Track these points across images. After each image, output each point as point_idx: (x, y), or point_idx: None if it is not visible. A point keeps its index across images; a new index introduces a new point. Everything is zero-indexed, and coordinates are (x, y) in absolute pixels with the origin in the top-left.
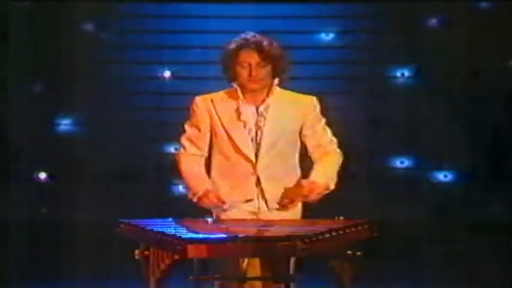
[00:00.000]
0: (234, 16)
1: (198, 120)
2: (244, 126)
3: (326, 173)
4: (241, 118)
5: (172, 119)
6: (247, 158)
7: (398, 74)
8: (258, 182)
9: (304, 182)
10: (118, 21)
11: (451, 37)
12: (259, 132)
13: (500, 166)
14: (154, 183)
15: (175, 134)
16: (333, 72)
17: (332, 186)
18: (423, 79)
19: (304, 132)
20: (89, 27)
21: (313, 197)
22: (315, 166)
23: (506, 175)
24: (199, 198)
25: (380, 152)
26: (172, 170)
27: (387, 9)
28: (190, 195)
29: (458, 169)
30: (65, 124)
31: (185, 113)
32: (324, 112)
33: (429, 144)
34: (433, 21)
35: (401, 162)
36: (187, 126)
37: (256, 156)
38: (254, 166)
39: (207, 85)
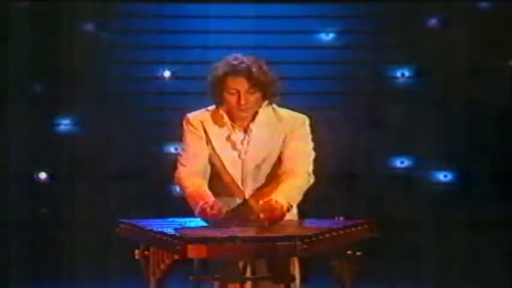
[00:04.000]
0: (234, 16)
1: (195, 138)
2: (239, 157)
3: (285, 192)
4: (237, 147)
5: (172, 119)
6: (236, 184)
7: (398, 74)
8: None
9: (260, 202)
10: (118, 21)
11: (451, 37)
12: (244, 159)
13: (500, 166)
14: (154, 183)
15: (175, 134)
16: (333, 72)
17: (293, 205)
18: (423, 79)
19: (281, 149)
20: (89, 27)
21: (272, 215)
22: (279, 184)
23: (506, 175)
24: (202, 210)
25: (380, 152)
26: (172, 170)
27: (387, 9)
28: (195, 212)
29: (458, 169)
30: (65, 124)
31: (185, 113)
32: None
33: (429, 144)
34: (433, 21)
35: (401, 162)
36: (185, 145)
37: (244, 182)
38: (242, 192)
39: (206, 85)
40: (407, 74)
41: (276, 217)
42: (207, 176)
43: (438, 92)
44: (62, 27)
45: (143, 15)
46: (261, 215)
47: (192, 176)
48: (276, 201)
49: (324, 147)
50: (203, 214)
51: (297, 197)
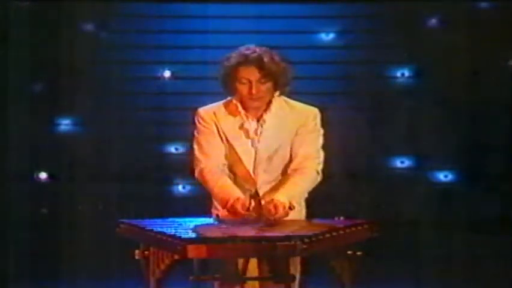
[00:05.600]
0: (234, 16)
1: (208, 132)
2: (252, 145)
3: (288, 192)
4: (250, 136)
5: (172, 119)
6: (249, 173)
7: (398, 74)
8: (258, 196)
9: (263, 202)
10: (118, 21)
11: (451, 37)
12: (257, 148)
13: (500, 166)
14: (154, 183)
15: (175, 134)
16: (333, 72)
17: (294, 205)
18: (423, 79)
19: (292, 141)
20: (89, 27)
21: (278, 214)
22: (285, 182)
23: (506, 175)
24: (232, 206)
25: (380, 152)
26: (172, 170)
27: (387, 9)
28: (222, 207)
29: (458, 169)
30: (65, 124)
31: (185, 113)
32: (324, 124)
33: (429, 144)
34: (433, 21)
35: (401, 162)
36: (198, 141)
37: (255, 171)
38: (254, 182)
39: (206, 85)
40: (407, 74)
41: (277, 216)
42: (226, 171)
43: (439, 92)
44: (62, 27)
45: (143, 15)
46: (264, 215)
47: (212, 173)
48: (278, 201)
49: (324, 147)
50: (233, 212)
51: (300, 197)
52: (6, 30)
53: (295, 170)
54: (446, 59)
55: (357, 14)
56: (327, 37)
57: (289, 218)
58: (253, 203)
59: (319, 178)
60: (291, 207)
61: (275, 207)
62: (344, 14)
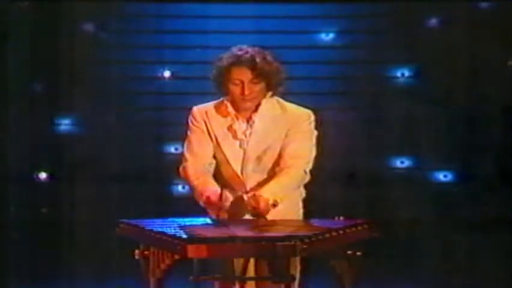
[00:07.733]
0: (234, 16)
1: (198, 131)
2: (240, 146)
3: (270, 188)
4: (238, 137)
5: (172, 119)
6: (236, 174)
7: (398, 74)
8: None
9: (245, 196)
10: (118, 21)
11: (451, 37)
12: (246, 149)
13: (500, 166)
14: (154, 183)
15: (175, 134)
16: (333, 72)
17: (278, 201)
18: (423, 79)
19: (283, 142)
20: (89, 27)
21: (260, 208)
22: (270, 180)
23: (506, 175)
24: (207, 198)
25: (380, 152)
26: (172, 170)
27: (387, 9)
28: (200, 201)
29: (458, 169)
30: (65, 124)
31: (185, 113)
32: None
33: (429, 144)
34: (433, 21)
35: (401, 162)
36: (189, 139)
37: (244, 172)
38: (243, 183)
39: (207, 85)
40: (407, 74)
41: (259, 211)
42: (212, 170)
43: (438, 92)
44: (62, 27)
45: (143, 15)
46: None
47: (196, 171)
48: (260, 196)
49: (324, 147)
50: (208, 203)
51: (284, 193)
52: (6, 30)
53: (282, 168)
54: (446, 59)
55: (357, 14)
56: (327, 37)
57: (286, 218)
58: (231, 197)
59: (307, 178)
60: (274, 204)
61: (256, 201)
62: (344, 14)
